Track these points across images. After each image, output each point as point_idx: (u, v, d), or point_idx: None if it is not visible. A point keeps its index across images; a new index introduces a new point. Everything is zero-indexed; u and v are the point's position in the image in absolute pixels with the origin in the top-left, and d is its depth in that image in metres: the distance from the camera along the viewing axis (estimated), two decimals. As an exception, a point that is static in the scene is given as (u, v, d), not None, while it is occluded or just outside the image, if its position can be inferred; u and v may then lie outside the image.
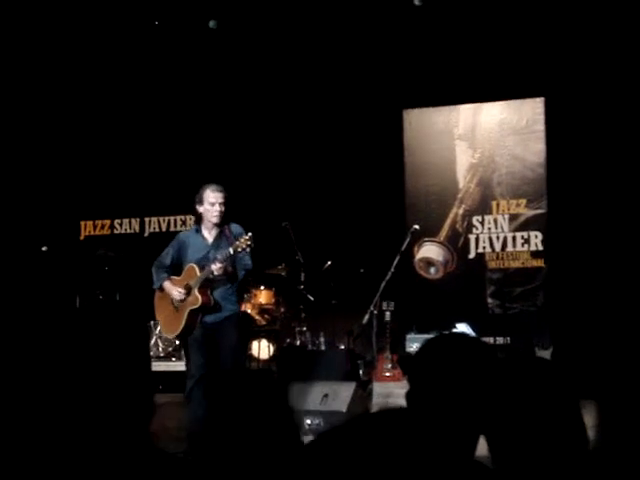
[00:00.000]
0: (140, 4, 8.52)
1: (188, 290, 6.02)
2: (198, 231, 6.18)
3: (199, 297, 5.96)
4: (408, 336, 7.59)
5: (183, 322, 6.00)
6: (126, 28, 8.69)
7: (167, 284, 6.15)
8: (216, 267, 5.84)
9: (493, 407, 1.97)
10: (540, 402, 1.92)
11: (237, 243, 5.76)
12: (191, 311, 6.00)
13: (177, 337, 6.42)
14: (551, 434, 1.87)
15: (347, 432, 2.06)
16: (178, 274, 6.16)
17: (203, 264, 5.98)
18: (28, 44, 8.81)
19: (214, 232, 6.13)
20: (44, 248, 8.19)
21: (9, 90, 9.18)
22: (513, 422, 1.93)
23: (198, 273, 5.99)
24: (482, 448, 2.04)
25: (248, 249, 5.80)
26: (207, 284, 5.98)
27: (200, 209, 6.10)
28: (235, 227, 6.15)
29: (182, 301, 6.05)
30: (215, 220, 6.05)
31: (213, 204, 6.02)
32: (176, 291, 6.06)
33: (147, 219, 9.44)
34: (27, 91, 9.24)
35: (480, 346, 2.39)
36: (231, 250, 5.77)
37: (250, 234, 5.79)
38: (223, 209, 6.05)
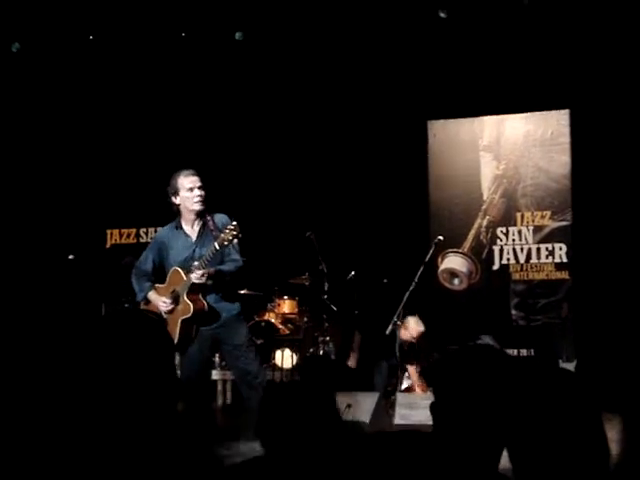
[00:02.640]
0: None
1: (176, 298, 5.33)
2: (178, 227, 5.44)
3: (190, 305, 5.26)
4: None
5: (177, 335, 5.24)
6: (151, 39, 8.76)
7: (152, 295, 5.44)
8: (196, 276, 5.13)
9: (516, 419, 1.99)
10: (562, 414, 1.94)
11: (222, 236, 4.99)
12: (184, 321, 5.28)
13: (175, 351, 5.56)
14: (573, 446, 1.88)
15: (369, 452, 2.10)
16: (162, 281, 5.49)
17: (189, 266, 5.26)
18: (51, 56, 8.91)
19: (197, 226, 5.40)
20: (71, 256, 8.24)
21: (34, 99, 9.28)
22: (535, 434, 1.95)
23: (184, 277, 5.26)
24: (504, 461, 2.06)
25: (235, 240, 5.04)
26: (198, 288, 5.26)
27: (177, 200, 5.37)
28: (220, 217, 5.39)
29: (170, 312, 5.33)
30: (198, 207, 5.32)
31: (191, 189, 5.31)
32: (161, 302, 5.35)
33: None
34: (52, 101, 9.33)
35: (504, 358, 2.42)
36: (216, 245, 5.03)
37: (235, 223, 5.03)
38: (203, 193, 5.32)
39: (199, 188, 5.33)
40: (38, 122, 9.39)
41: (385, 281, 8.20)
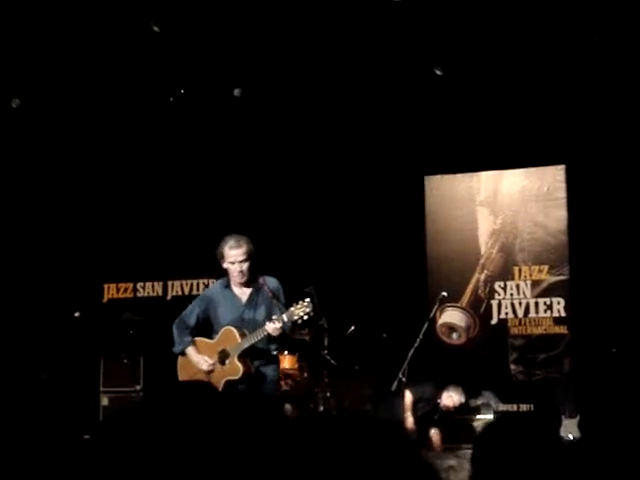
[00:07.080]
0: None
1: (223, 357, 5.28)
2: (227, 287, 5.40)
3: (240, 367, 5.20)
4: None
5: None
6: (149, 95, 8.80)
7: (191, 350, 5.37)
8: (274, 327, 5.02)
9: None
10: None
11: (293, 310, 5.01)
12: (228, 381, 5.22)
13: None
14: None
15: None
16: (204, 334, 5.46)
17: (239, 326, 5.25)
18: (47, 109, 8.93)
19: (248, 289, 5.35)
20: (77, 314, 8.16)
21: (29, 151, 9.27)
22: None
23: (238, 339, 5.22)
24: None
25: (306, 317, 5.01)
26: (249, 351, 5.23)
27: (223, 265, 5.36)
28: (271, 281, 5.38)
29: (211, 371, 5.29)
30: (238, 280, 5.30)
31: (233, 263, 5.27)
32: (203, 360, 5.30)
33: (170, 282, 9.44)
34: (46, 154, 9.31)
35: (542, 427, 2.41)
36: (285, 318, 5.00)
37: (308, 299, 5.03)
38: (245, 267, 5.25)
39: (242, 262, 5.26)
40: (35, 176, 9.38)
41: (384, 336, 8.18)
